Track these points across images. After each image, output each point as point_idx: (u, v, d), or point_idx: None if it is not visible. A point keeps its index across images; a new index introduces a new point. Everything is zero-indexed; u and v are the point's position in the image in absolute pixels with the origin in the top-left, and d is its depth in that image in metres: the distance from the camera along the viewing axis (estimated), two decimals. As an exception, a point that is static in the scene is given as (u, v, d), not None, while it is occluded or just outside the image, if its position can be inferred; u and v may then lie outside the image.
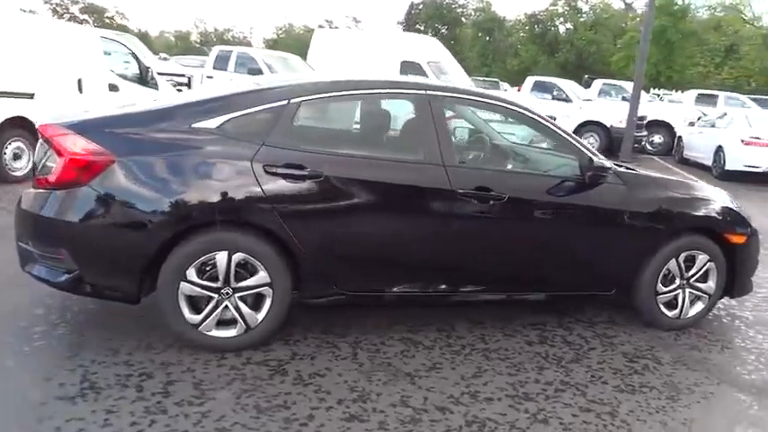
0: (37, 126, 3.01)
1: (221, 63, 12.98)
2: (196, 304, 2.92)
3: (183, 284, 2.86)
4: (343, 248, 3.06)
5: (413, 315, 3.52)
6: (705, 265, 3.64)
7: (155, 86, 8.64)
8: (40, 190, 2.87)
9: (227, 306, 2.94)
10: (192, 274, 2.86)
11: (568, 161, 3.42)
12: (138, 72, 8.38)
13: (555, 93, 14.15)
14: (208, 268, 2.89)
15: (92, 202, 2.75)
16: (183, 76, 12.07)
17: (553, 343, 3.42)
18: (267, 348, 3.06)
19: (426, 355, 3.14)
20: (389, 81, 3.46)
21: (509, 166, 3.46)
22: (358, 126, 3.42)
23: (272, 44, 56.15)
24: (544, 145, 3.72)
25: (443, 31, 51.72)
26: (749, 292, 3.88)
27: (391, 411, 2.61)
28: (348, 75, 3.71)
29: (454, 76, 13.95)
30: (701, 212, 3.60)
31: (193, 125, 2.90)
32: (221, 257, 2.87)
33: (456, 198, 3.12)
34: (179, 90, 10.24)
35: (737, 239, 3.66)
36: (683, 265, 3.60)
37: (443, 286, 3.28)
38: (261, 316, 2.99)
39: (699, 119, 14.32)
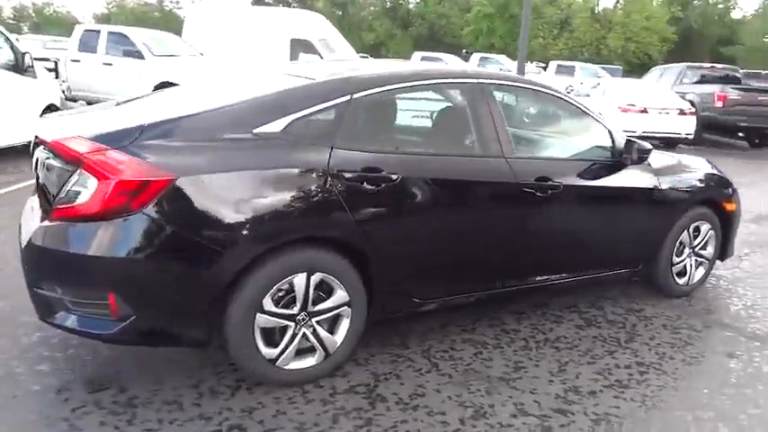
0: (48, 141, 2.38)
1: (88, 44, 11.42)
2: (270, 336, 2.54)
3: (260, 316, 2.46)
4: (420, 254, 2.83)
5: (455, 313, 3.39)
6: (708, 233, 3.92)
7: (32, 75, 7.43)
8: (67, 223, 2.29)
9: (304, 334, 2.59)
10: (268, 303, 2.47)
11: (601, 145, 3.46)
12: (11, 58, 7.13)
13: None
14: (283, 294, 2.51)
15: (148, 231, 2.23)
16: (47, 60, 10.45)
17: (599, 324, 3.49)
18: (343, 373, 2.76)
19: (501, 355, 3.04)
20: (445, 70, 3.23)
21: (556, 154, 3.42)
22: (420, 120, 3.15)
23: (105, 20, 51.08)
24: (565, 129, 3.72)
25: (294, 5, 50.53)
26: (733, 254, 4.25)
27: (519, 423, 2.48)
28: (395, 63, 3.39)
29: (343, 53, 13.67)
30: (707, 185, 3.86)
31: (255, 130, 2.48)
32: (299, 280, 2.51)
33: (520, 190, 3.02)
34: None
35: (731, 207, 3.99)
36: (691, 236, 3.85)
37: (514, 280, 3.18)
38: (339, 339, 2.69)
39: (567, 90, 15.47)
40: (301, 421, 2.41)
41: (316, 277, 2.54)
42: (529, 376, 2.85)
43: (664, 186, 3.59)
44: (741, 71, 14.52)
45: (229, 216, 2.34)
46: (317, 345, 2.63)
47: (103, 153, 2.24)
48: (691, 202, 3.76)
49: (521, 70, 12.96)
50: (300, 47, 13.05)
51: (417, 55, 14.99)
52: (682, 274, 3.90)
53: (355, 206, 2.57)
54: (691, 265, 3.92)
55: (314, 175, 2.50)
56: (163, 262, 2.29)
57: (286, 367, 2.58)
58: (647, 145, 3.37)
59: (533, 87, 3.36)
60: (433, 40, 46.81)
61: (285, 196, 2.44)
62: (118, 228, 2.21)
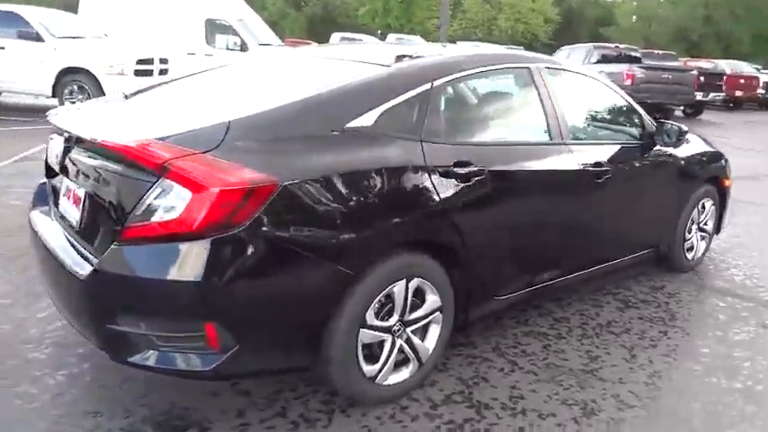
0: (101, 142, 1.95)
1: (-28, 25, 9.98)
2: (369, 352, 2.30)
3: (363, 332, 2.22)
4: (503, 249, 2.69)
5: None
6: (710, 209, 4.11)
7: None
8: (149, 244, 1.90)
9: (400, 345, 2.38)
10: (371, 316, 2.24)
11: (636, 127, 3.48)
12: None
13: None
14: (381, 305, 2.28)
15: (255, 248, 1.91)
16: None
17: (635, 305, 3.54)
18: (430, 382, 2.58)
19: (569, 345, 2.99)
20: (510, 53, 3.06)
21: (600, 138, 3.37)
22: (494, 106, 2.95)
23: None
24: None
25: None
26: (724, 227, 4.50)
27: (629, 416, 2.44)
28: (459, 46, 3.15)
29: (261, 34, 13.03)
30: (713, 163, 4.03)
31: (347, 125, 2.20)
32: (399, 289, 2.30)
33: (582, 177, 2.97)
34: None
35: (728, 183, 4.20)
36: (699, 212, 4.01)
37: (577, 267, 3.13)
38: (431, 346, 2.50)
39: None
40: (420, 443, 2.22)
41: (413, 284, 2.34)
42: (607, 365, 2.83)
43: (690, 167, 3.70)
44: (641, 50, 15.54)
45: (338, 224, 2.07)
46: (412, 355, 2.43)
47: (194, 158, 1.88)
48: (701, 180, 3.92)
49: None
50: (217, 28, 12.28)
51: (336, 36, 14.58)
52: (690, 249, 4.06)
53: (450, 204, 2.38)
54: (697, 240, 4.10)
55: (413, 173, 2.27)
56: (270, 282, 1.98)
57: (384, 383, 2.36)
58: (683, 127, 3.43)
59: (574, 71, 3.30)
60: (327, 21, 46.16)
61: (391, 198, 2.20)
62: (218, 246, 1.87)
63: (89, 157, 2.10)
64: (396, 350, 2.36)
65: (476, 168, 2.45)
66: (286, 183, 1.94)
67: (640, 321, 3.33)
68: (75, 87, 9.86)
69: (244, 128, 2.02)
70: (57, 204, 2.48)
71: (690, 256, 4.07)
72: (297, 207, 1.98)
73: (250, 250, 1.91)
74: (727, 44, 40.30)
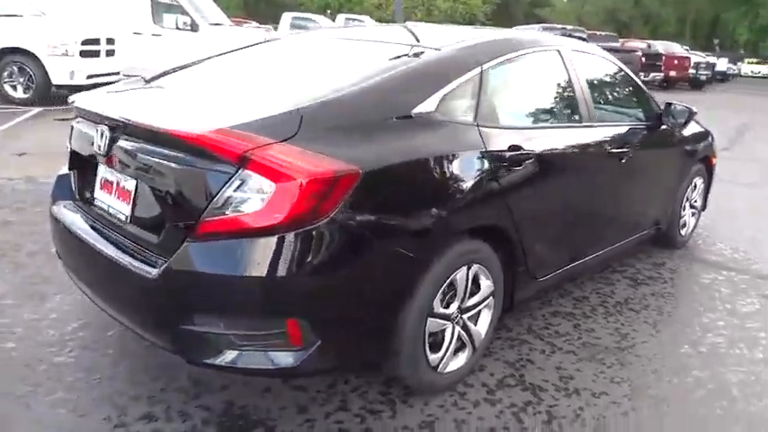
0: (186, 134, 1.81)
1: None
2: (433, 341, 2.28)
3: (430, 321, 2.19)
4: (546, 231, 2.72)
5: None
6: (700, 186, 4.30)
7: None
8: (229, 239, 1.79)
9: (458, 332, 2.37)
10: (437, 304, 2.21)
11: (647, 109, 3.57)
12: None
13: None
14: (444, 292, 2.26)
15: (338, 239, 1.83)
16: None
17: (645, 282, 3.67)
18: (479, 368, 2.58)
19: (597, 324, 3.07)
20: (546, 37, 3.03)
21: (618, 119, 3.42)
22: (535, 89, 2.92)
23: None
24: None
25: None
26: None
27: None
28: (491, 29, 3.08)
29: (210, 13, 12.51)
30: (705, 142, 4.19)
31: (414, 111, 2.14)
32: (462, 275, 2.28)
33: (609, 157, 3.04)
34: None
35: (715, 161, 4.40)
36: (691, 190, 4.19)
37: (602, 246, 3.20)
38: (483, 331, 2.50)
39: None
40: (490, 426, 2.22)
41: (472, 270, 2.32)
42: (638, 342, 2.92)
43: (687, 146, 3.84)
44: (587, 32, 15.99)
45: (412, 211, 2.02)
46: (468, 341, 2.42)
47: (276, 148, 1.78)
48: (696, 159, 4.08)
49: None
50: (163, 7, 11.67)
51: (288, 15, 14.19)
52: (683, 226, 4.24)
53: (506, 188, 2.37)
54: (689, 217, 4.28)
55: (476, 158, 2.25)
56: (351, 273, 1.91)
57: (445, 371, 2.35)
58: (692, 108, 3.54)
59: (593, 53, 3.34)
60: (264, 1, 44.99)
61: (458, 184, 2.17)
62: (303, 239, 1.78)
63: (145, 146, 1.95)
64: (455, 337, 2.35)
65: (526, 152, 2.45)
66: (368, 170, 1.87)
67: (654, 297, 3.45)
68: (16, 69, 9.21)
69: (316, 114, 1.93)
70: (88, 198, 2.30)
71: (683, 232, 4.25)
72: (375, 196, 1.92)
73: (333, 242, 1.83)
74: (654, 26, 42.15)
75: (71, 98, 2.45)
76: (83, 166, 2.36)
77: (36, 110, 8.64)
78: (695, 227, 4.45)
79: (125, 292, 2.00)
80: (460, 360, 2.41)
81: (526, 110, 2.77)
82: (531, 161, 2.47)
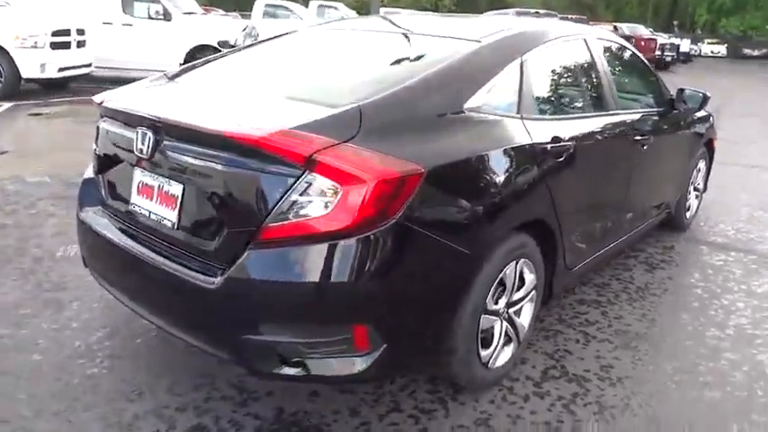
0: (247, 136, 1.72)
1: None
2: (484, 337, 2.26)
3: (484, 318, 2.17)
4: (582, 222, 2.71)
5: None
6: (703, 169, 4.37)
7: None
8: (293, 246, 1.72)
9: (506, 327, 2.36)
10: (490, 301, 2.19)
11: (660, 95, 3.59)
12: None
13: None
14: (495, 288, 2.23)
15: (402, 241, 1.78)
16: None
17: (660, 266, 3.72)
18: (521, 361, 2.58)
19: (624, 311, 3.09)
20: (566, 24, 3.00)
21: (637, 106, 3.41)
22: (565, 79, 2.88)
23: None
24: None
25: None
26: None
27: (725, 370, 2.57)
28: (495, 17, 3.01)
29: (181, 0, 12.15)
30: (708, 125, 4.24)
31: (465, 105, 2.09)
32: (511, 270, 2.26)
33: (634, 143, 3.06)
34: None
35: (716, 144, 4.47)
36: (696, 173, 4.25)
37: (625, 231, 3.22)
38: (526, 323, 2.49)
39: None
40: (545, 420, 2.21)
41: (520, 264, 2.30)
42: (667, 327, 2.95)
43: (695, 130, 3.89)
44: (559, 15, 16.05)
45: (471, 209, 1.98)
46: (513, 335, 2.41)
47: (342, 149, 1.71)
48: (702, 142, 4.14)
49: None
50: (133, -4, 11.29)
51: (260, 2, 13.84)
52: (688, 208, 4.31)
53: (550, 181, 2.35)
54: (693, 199, 4.35)
55: (524, 152, 2.22)
56: (415, 274, 1.86)
57: (495, 366, 2.33)
58: (706, 93, 3.56)
59: (613, 40, 3.33)
60: (227, -14, 43.92)
61: (510, 179, 2.14)
62: (371, 242, 1.72)
63: (195, 149, 1.85)
64: (503, 332, 2.33)
65: (567, 144, 2.43)
66: (430, 168, 1.82)
67: (671, 281, 3.50)
68: (-19, 62, 8.80)
69: (373, 112, 1.86)
70: (121, 203, 2.20)
71: (688, 215, 4.32)
72: (436, 195, 1.87)
73: (399, 244, 1.78)
74: (617, 8, 42.73)
75: (96, 98, 2.32)
76: (112, 169, 2.25)
77: (6, 105, 8.28)
78: (698, 208, 4.53)
79: (179, 302, 1.92)
80: (507, 354, 2.40)
81: (561, 100, 2.75)
82: (569, 152, 2.46)
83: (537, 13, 15.85)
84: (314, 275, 1.71)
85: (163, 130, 1.93)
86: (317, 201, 1.70)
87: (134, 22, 11.11)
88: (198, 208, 1.90)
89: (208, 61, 2.68)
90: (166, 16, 11.09)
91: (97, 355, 2.49)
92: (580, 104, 2.86)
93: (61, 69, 9.31)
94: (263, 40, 2.87)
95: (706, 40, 38.58)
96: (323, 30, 3.04)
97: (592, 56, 2.89)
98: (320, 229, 1.69)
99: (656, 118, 3.39)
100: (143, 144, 1.96)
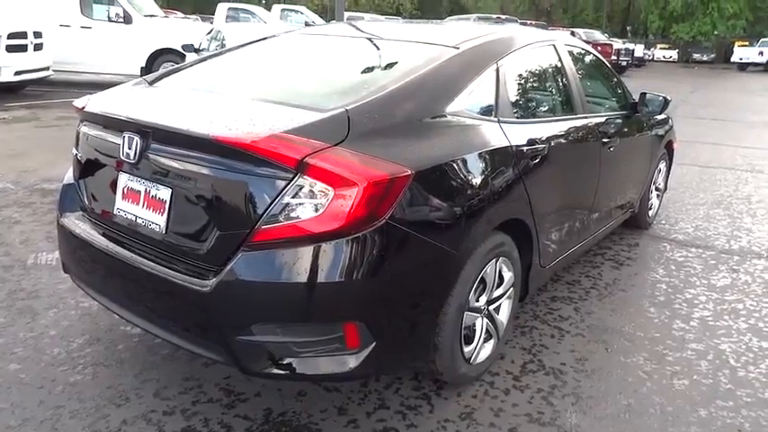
0: (237, 140, 1.74)
1: None
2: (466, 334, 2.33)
3: (466, 315, 2.24)
4: (555, 221, 2.81)
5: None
6: (663, 169, 4.56)
7: None
8: (285, 247, 1.75)
9: (487, 323, 2.44)
10: (472, 298, 2.26)
11: (624, 99, 3.75)
12: None
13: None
14: (476, 286, 2.31)
15: (390, 241, 1.83)
16: None
17: (627, 263, 3.88)
18: (499, 356, 2.66)
19: (595, 307, 3.22)
20: (535, 31, 3.09)
21: (601, 110, 3.54)
22: (537, 82, 2.97)
23: None
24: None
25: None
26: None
27: (702, 363, 2.70)
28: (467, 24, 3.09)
29: (143, 3, 11.95)
30: (669, 127, 4.43)
31: (447, 109, 2.16)
32: (491, 269, 2.34)
33: (601, 146, 3.18)
34: None
35: (676, 145, 4.67)
36: (658, 173, 4.44)
37: (593, 230, 3.34)
38: (505, 320, 2.58)
39: None
40: (526, 412, 2.29)
41: (499, 263, 2.39)
42: (638, 321, 3.08)
43: (655, 133, 4.06)
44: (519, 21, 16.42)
45: (454, 209, 2.05)
46: (493, 332, 2.49)
47: (332, 152, 1.76)
48: (662, 144, 4.32)
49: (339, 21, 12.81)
50: (93, -5, 11.05)
51: (223, 6, 13.72)
52: (650, 208, 4.49)
53: (527, 181, 2.44)
54: (654, 199, 4.54)
55: (503, 154, 2.30)
56: (402, 273, 1.91)
57: (476, 363, 2.41)
58: (667, 97, 3.73)
59: (578, 46, 3.46)
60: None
61: (491, 180, 2.22)
62: (361, 243, 1.77)
63: (184, 153, 1.87)
64: (484, 328, 2.41)
65: (541, 146, 2.53)
66: (417, 170, 1.88)
67: (637, 277, 3.66)
68: (-67, 66, 8.51)
69: (361, 116, 1.92)
70: (104, 209, 2.19)
71: (650, 213, 4.50)
72: (421, 196, 1.93)
73: (387, 244, 1.83)
74: (573, 14, 43.81)
75: (77, 102, 2.30)
76: (94, 174, 2.24)
77: (-39, 110, 8.01)
78: (659, 207, 4.73)
79: (169, 305, 1.93)
80: (487, 350, 2.48)
81: (534, 104, 2.85)
82: (544, 153, 2.56)
83: (498, 18, 16.14)
84: (306, 276, 1.75)
85: (150, 134, 1.94)
86: (308, 203, 1.74)
87: (93, 24, 10.90)
88: (187, 212, 1.92)
89: (188, 66, 2.69)
90: (127, 19, 10.91)
91: (79, 362, 2.46)
92: (552, 108, 2.97)
93: (18, 73, 9.06)
94: (242, 45, 2.88)
95: (658, 46, 39.93)
96: (302, 35, 3.07)
97: (561, 61, 3.01)
98: (312, 230, 1.74)
99: (620, 121, 3.54)
100: (129, 149, 1.96)
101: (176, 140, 1.89)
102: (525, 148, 2.44)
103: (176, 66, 2.70)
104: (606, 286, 3.50)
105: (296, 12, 17.21)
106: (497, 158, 2.26)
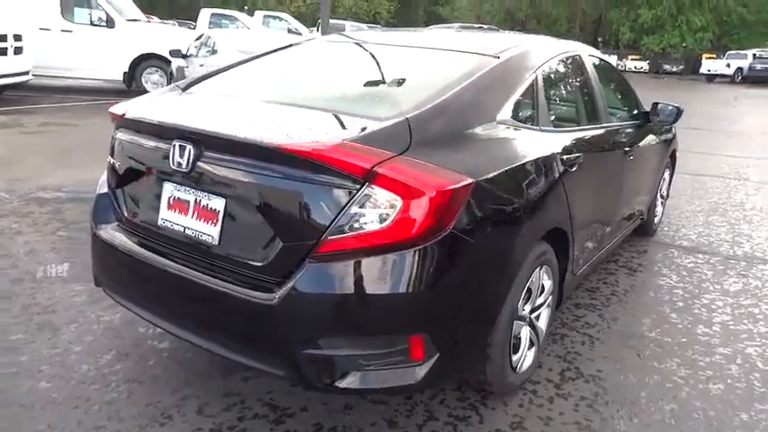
0: (304, 149, 1.70)
1: None
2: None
3: (516, 324, 2.23)
4: (587, 229, 2.82)
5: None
6: (667, 177, 4.64)
7: None
8: (353, 258, 1.71)
9: (529, 331, 2.43)
10: (521, 306, 2.25)
11: (637, 108, 3.80)
12: None
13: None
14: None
15: (456, 250, 1.81)
16: None
17: (639, 270, 3.92)
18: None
19: (618, 313, 3.24)
20: (562, 41, 3.09)
21: (621, 118, 3.57)
22: (566, 92, 2.98)
23: None
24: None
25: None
26: (668, 194, 5.10)
27: (733, 367, 2.73)
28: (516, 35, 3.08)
29: (126, 7, 11.74)
30: (673, 136, 4.51)
31: (498, 118, 2.16)
32: (536, 277, 2.34)
33: (624, 155, 3.22)
34: None
35: (677, 154, 4.76)
36: (663, 181, 4.51)
37: (612, 237, 3.37)
38: (544, 327, 2.57)
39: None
40: (574, 420, 2.29)
41: (542, 271, 2.39)
42: (664, 327, 3.10)
43: (663, 141, 4.14)
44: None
45: (511, 217, 2.05)
46: (535, 339, 2.48)
47: (400, 161, 1.73)
48: (668, 153, 4.40)
49: (324, 29, 12.79)
50: (72, 0, 10.81)
51: (206, 12, 13.56)
52: (656, 215, 4.56)
53: (568, 190, 2.45)
54: (659, 206, 4.61)
55: (549, 161, 2.30)
56: (466, 282, 1.89)
57: (522, 371, 2.40)
58: (680, 107, 3.78)
59: (599, 56, 3.50)
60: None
61: (541, 188, 2.22)
62: (429, 253, 1.74)
63: (241, 162, 1.81)
64: (528, 337, 2.40)
65: (577, 154, 2.55)
66: (479, 179, 1.87)
67: (653, 283, 3.70)
68: None
69: (420, 124, 1.89)
70: (146, 219, 2.12)
71: (656, 220, 4.57)
72: (481, 205, 1.91)
73: (453, 253, 1.81)
74: (547, 24, 44.53)
75: (116, 109, 2.23)
76: (133, 182, 2.16)
77: (-60, 116, 7.74)
78: (662, 214, 4.80)
79: (227, 319, 1.86)
80: (530, 359, 2.47)
81: (566, 112, 2.87)
82: (579, 161, 2.57)
83: (480, 27, 16.25)
84: (375, 287, 1.72)
85: (203, 143, 1.88)
86: (375, 213, 1.70)
87: (74, 28, 10.67)
88: (243, 222, 1.86)
89: (218, 72, 2.63)
90: (109, 23, 10.70)
91: (111, 379, 2.37)
92: (582, 117, 2.98)
93: (-2, 77, 8.81)
94: (270, 52, 2.83)
95: (630, 57, 40.85)
96: (331, 42, 3.03)
97: (587, 71, 3.04)
98: (380, 241, 1.70)
99: (636, 130, 3.58)
100: (181, 158, 1.90)
101: (233, 149, 1.84)
102: (565, 156, 2.45)
103: (207, 72, 2.64)
104: (625, 293, 3.53)
105: (278, 18, 17.12)
106: (545, 167, 2.26)
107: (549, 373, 2.60)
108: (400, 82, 2.42)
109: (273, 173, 1.78)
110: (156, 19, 22.75)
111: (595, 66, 3.22)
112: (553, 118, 2.60)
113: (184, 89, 2.45)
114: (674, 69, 37.85)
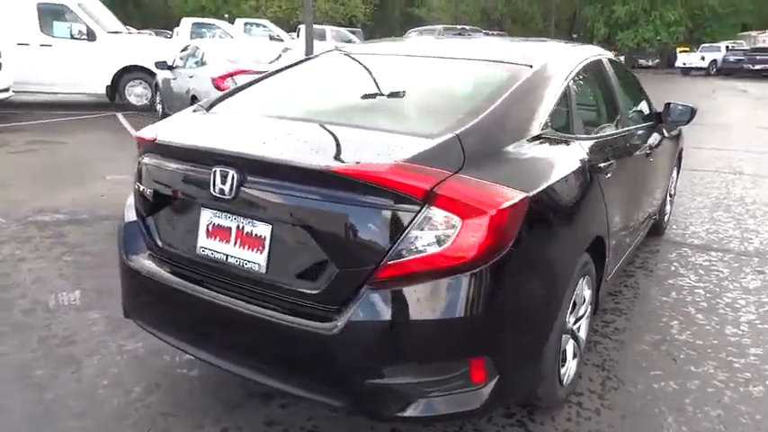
0: (360, 172, 1.63)
1: None
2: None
3: (564, 337, 2.19)
4: (619, 235, 2.79)
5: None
6: (674, 176, 4.66)
7: None
8: (413, 283, 1.65)
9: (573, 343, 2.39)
10: (570, 319, 2.21)
11: (650, 110, 3.79)
12: None
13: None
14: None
15: (516, 269, 1.76)
16: None
17: (656, 271, 3.91)
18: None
19: (644, 318, 3.22)
20: (585, 47, 3.06)
21: (638, 121, 3.55)
22: (593, 98, 2.95)
23: None
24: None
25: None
26: (674, 193, 5.11)
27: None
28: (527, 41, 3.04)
29: (106, 20, 11.54)
30: (680, 137, 4.52)
31: (539, 128, 2.11)
32: (580, 288, 2.29)
33: (646, 157, 3.20)
34: None
35: (682, 153, 4.77)
36: (672, 180, 4.52)
37: (635, 239, 3.35)
38: (584, 337, 2.54)
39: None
40: (625, 433, 2.25)
41: (584, 281, 2.35)
42: (693, 329, 3.08)
43: (673, 141, 4.14)
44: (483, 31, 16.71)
45: (561, 231, 2.01)
46: (577, 350, 2.45)
47: (456, 180, 1.68)
48: (677, 152, 4.41)
49: (309, 38, 12.67)
50: (52, 14, 10.60)
51: (187, 21, 13.37)
52: (665, 213, 4.56)
53: (606, 198, 2.42)
54: (668, 205, 4.62)
55: (587, 172, 2.26)
56: (523, 302, 1.85)
57: (567, 384, 2.35)
58: (694, 107, 3.77)
59: (615, 60, 3.48)
60: (130, 4, 42.26)
61: (585, 199, 2.18)
62: (491, 274, 1.69)
63: (287, 186, 1.74)
64: (573, 348, 2.36)
65: (611, 161, 2.52)
66: (532, 194, 1.82)
67: (673, 284, 3.69)
68: None
69: (470, 140, 1.84)
70: (182, 246, 2.03)
71: (665, 219, 4.57)
72: (536, 221, 1.86)
73: (513, 272, 1.76)
74: (522, 22, 44.88)
75: (143, 133, 2.13)
76: (165, 209, 2.08)
77: None
78: (671, 212, 4.81)
79: (280, 349, 1.79)
80: (573, 370, 2.43)
81: (594, 118, 2.85)
82: (613, 168, 2.54)
83: (463, 29, 16.35)
84: (436, 311, 1.66)
85: (246, 168, 1.81)
86: (434, 235, 1.65)
87: (54, 42, 10.45)
88: (293, 249, 1.79)
89: (241, 89, 2.55)
90: (90, 36, 10.50)
91: (145, 414, 2.28)
92: (608, 122, 2.96)
93: (-22, 96, 8.58)
94: (292, 65, 2.75)
95: (606, 52, 41.29)
96: (355, 54, 2.95)
97: (608, 75, 3.01)
98: (440, 264, 1.64)
99: (651, 131, 3.57)
100: (224, 184, 1.82)
101: (279, 173, 1.76)
102: (600, 164, 2.41)
103: (230, 89, 2.55)
104: (647, 295, 3.51)
105: (260, 25, 16.97)
106: (587, 176, 2.23)
107: (591, 384, 2.56)
108: (438, 95, 2.37)
109: (323, 196, 1.71)
110: (132, 30, 22.49)
111: (614, 69, 3.20)
112: (584, 125, 2.57)
113: (208, 109, 2.37)
114: (650, 63, 38.34)
